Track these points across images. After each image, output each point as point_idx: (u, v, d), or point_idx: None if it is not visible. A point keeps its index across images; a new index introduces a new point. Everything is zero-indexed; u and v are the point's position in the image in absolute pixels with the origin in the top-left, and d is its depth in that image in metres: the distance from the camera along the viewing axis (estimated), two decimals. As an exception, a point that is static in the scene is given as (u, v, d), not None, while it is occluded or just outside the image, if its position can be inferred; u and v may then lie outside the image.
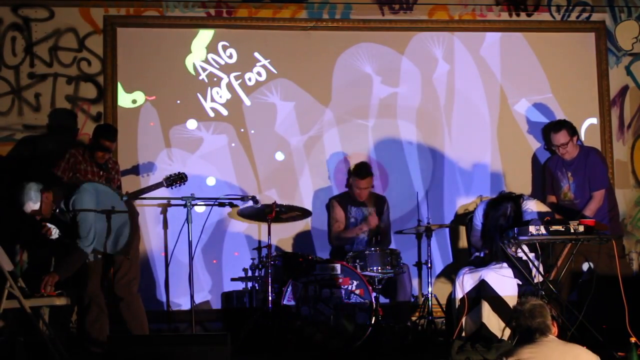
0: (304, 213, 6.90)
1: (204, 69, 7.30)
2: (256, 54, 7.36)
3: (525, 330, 4.07)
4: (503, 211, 6.44)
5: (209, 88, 7.30)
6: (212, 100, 7.30)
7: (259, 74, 7.35)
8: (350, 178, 7.12)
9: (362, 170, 7.00)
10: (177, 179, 6.71)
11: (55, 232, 5.92)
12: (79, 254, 5.73)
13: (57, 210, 5.80)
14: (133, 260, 5.99)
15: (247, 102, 7.32)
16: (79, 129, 7.09)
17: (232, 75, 7.34)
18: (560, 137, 6.84)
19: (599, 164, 6.92)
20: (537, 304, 4.10)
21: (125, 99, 7.20)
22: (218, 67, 7.33)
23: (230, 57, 7.35)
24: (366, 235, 6.96)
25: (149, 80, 7.23)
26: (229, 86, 7.32)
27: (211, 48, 7.31)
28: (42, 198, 5.67)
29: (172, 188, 6.73)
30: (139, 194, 6.62)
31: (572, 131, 6.87)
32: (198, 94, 7.27)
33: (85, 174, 6.47)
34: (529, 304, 4.09)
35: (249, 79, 7.35)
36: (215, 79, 7.31)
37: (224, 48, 7.33)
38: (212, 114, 7.28)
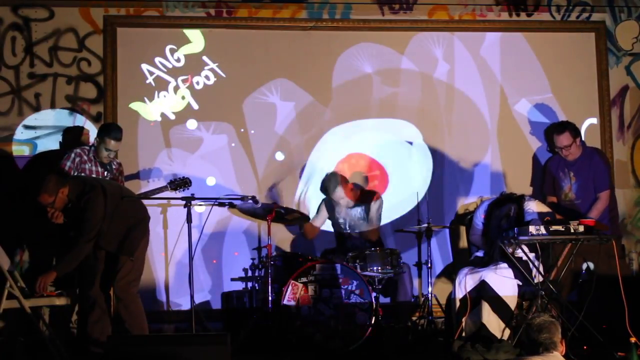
0: (302, 216, 6.90)
1: (151, 73, 7.26)
2: (204, 58, 7.33)
3: (531, 343, 4.07)
4: (506, 212, 6.45)
5: (156, 92, 7.27)
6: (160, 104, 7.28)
7: (207, 77, 7.33)
8: None
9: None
10: (181, 184, 6.71)
11: (61, 218, 5.91)
12: (78, 250, 5.72)
13: (70, 204, 5.80)
14: (137, 262, 5.98)
15: (195, 105, 7.29)
16: (83, 129, 7.09)
17: (180, 78, 7.29)
18: (564, 139, 6.84)
19: (603, 165, 6.93)
20: (547, 320, 4.10)
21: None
22: (165, 70, 7.29)
23: (178, 60, 7.31)
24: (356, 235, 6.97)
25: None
26: (177, 90, 7.30)
27: (159, 51, 7.27)
28: (58, 193, 5.69)
29: (175, 192, 6.73)
30: (142, 196, 6.62)
31: (575, 133, 6.87)
32: (145, 98, 7.24)
33: (89, 174, 6.46)
34: (539, 319, 4.10)
35: (197, 83, 7.32)
36: (162, 83, 7.26)
37: (172, 51, 7.31)
38: (159, 119, 7.24)
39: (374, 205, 7.01)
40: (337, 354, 6.07)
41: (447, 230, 7.37)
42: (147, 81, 7.22)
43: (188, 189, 6.70)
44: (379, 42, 7.50)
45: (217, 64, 7.31)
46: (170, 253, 6.82)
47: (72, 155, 6.51)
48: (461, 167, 7.48)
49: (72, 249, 5.73)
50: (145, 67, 7.23)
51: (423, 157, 7.47)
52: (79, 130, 7.09)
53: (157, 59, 7.24)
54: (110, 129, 6.58)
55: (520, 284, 6.14)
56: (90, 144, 6.76)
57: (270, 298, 6.25)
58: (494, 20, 7.59)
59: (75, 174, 6.44)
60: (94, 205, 5.74)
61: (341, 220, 7.03)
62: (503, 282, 6.11)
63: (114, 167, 6.64)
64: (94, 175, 6.46)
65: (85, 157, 6.53)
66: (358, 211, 7.02)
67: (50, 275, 5.63)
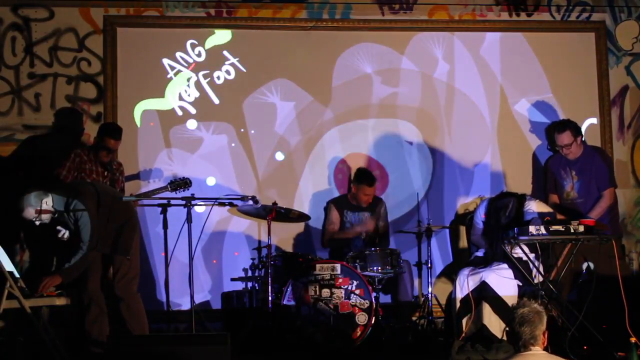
0: (302, 215, 6.90)
1: (172, 67, 7.28)
2: (225, 53, 7.34)
3: (512, 334, 3.97)
4: (505, 204, 6.40)
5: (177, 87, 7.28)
6: (181, 99, 7.28)
7: (227, 72, 7.34)
8: (353, 184, 7.10)
9: (368, 177, 7.01)
10: (181, 184, 6.70)
11: (67, 234, 5.92)
12: (83, 257, 5.74)
13: (56, 215, 5.80)
14: (133, 260, 5.99)
15: (215, 100, 7.31)
16: (84, 129, 7.09)
17: (201, 73, 7.31)
18: (564, 138, 6.83)
19: (606, 163, 6.92)
20: (532, 311, 3.93)
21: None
22: (187, 65, 7.31)
23: (199, 55, 7.32)
24: (363, 237, 6.95)
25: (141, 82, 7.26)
26: (197, 84, 7.31)
27: (180, 46, 7.29)
28: (42, 203, 5.68)
29: (175, 193, 6.73)
30: (142, 196, 6.62)
31: (576, 132, 6.87)
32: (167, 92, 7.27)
33: (90, 174, 6.47)
34: (524, 309, 3.94)
35: (218, 78, 7.33)
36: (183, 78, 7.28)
37: (193, 46, 7.32)
38: (180, 113, 7.27)
39: (382, 209, 7.06)
40: (337, 354, 6.06)
41: (447, 230, 7.37)
42: (168, 76, 7.24)
43: (188, 189, 6.70)
44: (379, 42, 7.50)
45: (237, 59, 7.33)
46: (170, 253, 6.81)
47: (72, 155, 6.51)
48: (461, 167, 7.48)
49: (77, 255, 5.75)
50: (167, 62, 7.25)
51: (423, 157, 7.47)
52: (79, 131, 7.09)
53: (178, 54, 7.27)
54: (109, 129, 6.59)
55: (521, 284, 6.14)
56: (90, 145, 6.77)
57: (270, 298, 6.25)
58: (494, 20, 7.59)
59: (76, 174, 6.44)
60: (83, 212, 5.74)
61: (347, 225, 7.04)
62: (503, 282, 6.11)
63: (114, 167, 6.64)
64: (94, 176, 6.46)
65: (86, 158, 6.53)
66: (359, 215, 7.04)
67: (55, 278, 5.65)
